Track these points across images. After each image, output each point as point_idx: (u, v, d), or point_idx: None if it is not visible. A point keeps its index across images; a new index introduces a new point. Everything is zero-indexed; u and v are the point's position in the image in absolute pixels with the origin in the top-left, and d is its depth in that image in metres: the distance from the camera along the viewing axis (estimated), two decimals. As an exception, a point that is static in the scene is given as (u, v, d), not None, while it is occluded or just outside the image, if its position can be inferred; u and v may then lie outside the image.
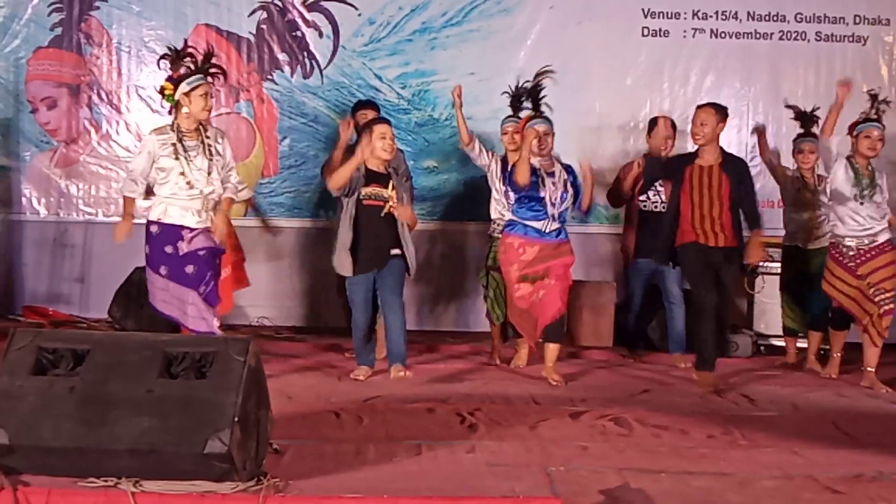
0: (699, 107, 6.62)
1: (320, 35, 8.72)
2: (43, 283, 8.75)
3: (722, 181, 6.42)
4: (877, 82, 8.10)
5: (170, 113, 6.03)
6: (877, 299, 6.52)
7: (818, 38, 8.75)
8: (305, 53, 8.73)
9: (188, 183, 5.88)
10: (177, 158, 5.86)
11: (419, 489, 3.89)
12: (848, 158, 6.59)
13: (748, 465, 4.47)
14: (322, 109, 8.70)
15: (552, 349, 6.54)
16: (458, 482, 4.04)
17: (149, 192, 6.03)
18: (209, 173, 5.93)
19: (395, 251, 6.46)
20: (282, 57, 8.73)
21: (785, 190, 7.36)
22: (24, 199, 8.74)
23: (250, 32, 8.71)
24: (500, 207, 7.02)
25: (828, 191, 6.70)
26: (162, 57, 6.11)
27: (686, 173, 6.47)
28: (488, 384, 6.41)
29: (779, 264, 7.59)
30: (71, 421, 3.75)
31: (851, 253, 6.58)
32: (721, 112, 6.50)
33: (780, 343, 7.74)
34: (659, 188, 7.20)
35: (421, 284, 8.35)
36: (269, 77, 8.73)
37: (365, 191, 6.44)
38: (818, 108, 7.21)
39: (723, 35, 8.74)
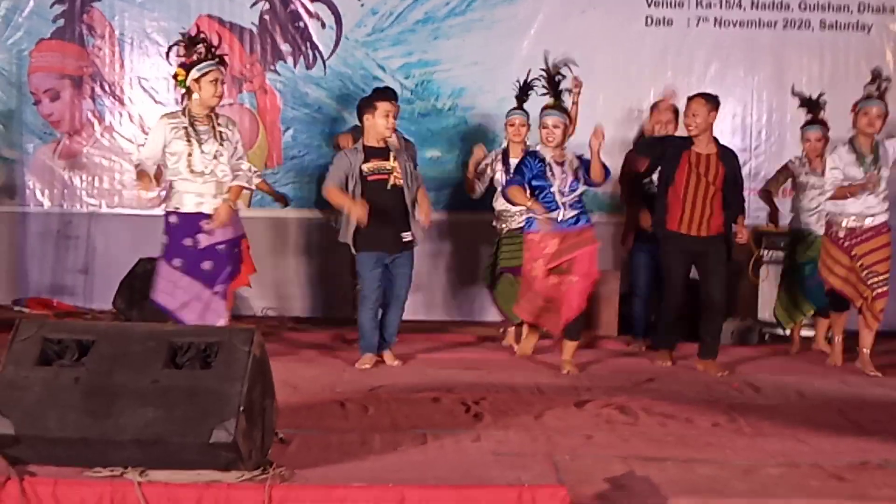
0: (690, 98, 6.71)
1: (323, 25, 8.71)
2: (47, 274, 8.76)
3: (718, 170, 6.54)
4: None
5: (183, 99, 6.09)
6: (869, 282, 6.58)
7: (822, 27, 8.72)
8: (308, 44, 8.72)
9: (195, 167, 5.89)
10: (188, 142, 5.88)
11: (425, 478, 3.90)
12: (850, 140, 6.61)
13: (753, 452, 4.47)
14: (325, 100, 8.69)
15: (571, 346, 6.58)
16: (463, 471, 4.04)
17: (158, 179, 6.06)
18: (217, 158, 5.94)
19: (407, 236, 6.47)
20: (284, 48, 8.71)
21: (793, 179, 7.40)
22: (27, 191, 8.74)
23: (253, 23, 8.70)
24: (504, 199, 7.02)
25: (826, 173, 6.67)
26: (175, 44, 6.13)
27: (684, 157, 6.54)
28: (493, 373, 6.41)
29: (783, 253, 7.61)
30: (76, 411, 3.75)
31: (846, 232, 6.59)
32: (712, 102, 6.59)
33: (785, 332, 7.75)
34: None
35: (425, 274, 8.35)
36: (272, 68, 8.72)
37: (366, 167, 6.44)
38: (824, 94, 7.25)
39: (727, 24, 8.72)
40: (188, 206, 5.95)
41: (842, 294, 6.73)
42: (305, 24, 8.71)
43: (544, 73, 6.62)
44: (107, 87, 8.73)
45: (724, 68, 8.75)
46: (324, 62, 8.70)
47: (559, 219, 6.44)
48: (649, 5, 8.69)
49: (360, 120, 6.79)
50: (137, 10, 8.69)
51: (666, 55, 8.73)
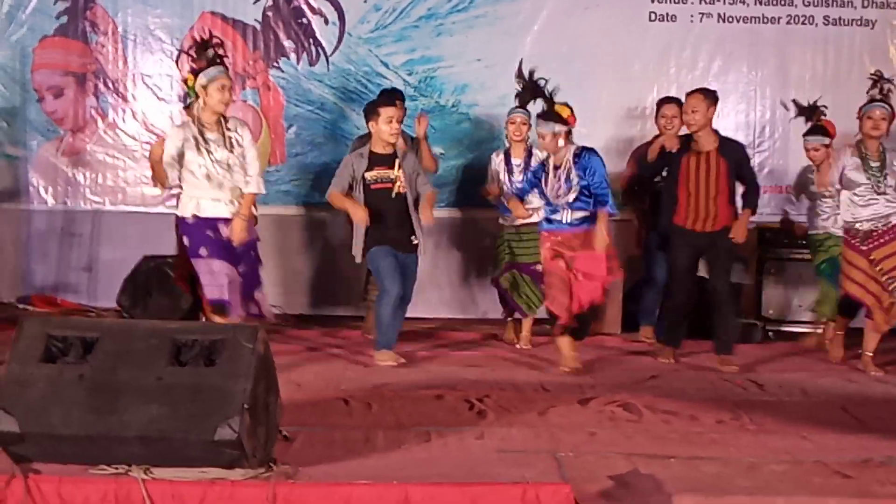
0: (688, 94, 6.70)
1: (326, 22, 8.70)
2: (51, 272, 8.75)
3: (720, 166, 6.51)
4: (885, 66, 8.00)
5: (186, 98, 6.07)
6: (891, 288, 6.51)
7: (826, 22, 8.69)
8: (311, 41, 8.71)
9: (208, 175, 5.88)
10: (199, 152, 5.87)
11: (428, 476, 3.90)
12: (857, 143, 6.58)
13: (757, 450, 4.47)
14: (328, 97, 8.69)
15: (570, 342, 6.48)
16: (467, 469, 4.05)
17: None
18: (229, 165, 5.92)
19: (415, 239, 6.50)
20: (287, 44, 8.70)
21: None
22: (31, 189, 8.74)
23: (256, 20, 8.68)
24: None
25: (835, 178, 6.64)
26: (184, 51, 6.11)
27: (683, 163, 6.53)
28: (497, 371, 6.42)
29: (792, 250, 7.65)
30: (81, 408, 3.76)
31: (864, 235, 6.54)
32: (710, 97, 6.58)
33: (789, 329, 7.74)
34: None
35: (428, 271, 8.33)
36: (275, 65, 8.71)
37: (370, 175, 6.44)
38: (819, 98, 7.21)
39: (730, 19, 8.70)
40: (206, 210, 5.92)
41: (858, 301, 6.67)
42: (308, 21, 8.70)
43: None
44: (110, 84, 8.72)
45: (728, 64, 8.73)
46: (327, 59, 8.70)
47: (564, 220, 6.41)
48: (653, 1, 8.66)
49: (367, 125, 6.77)
50: (141, 6, 8.67)
51: (669, 51, 8.71)
